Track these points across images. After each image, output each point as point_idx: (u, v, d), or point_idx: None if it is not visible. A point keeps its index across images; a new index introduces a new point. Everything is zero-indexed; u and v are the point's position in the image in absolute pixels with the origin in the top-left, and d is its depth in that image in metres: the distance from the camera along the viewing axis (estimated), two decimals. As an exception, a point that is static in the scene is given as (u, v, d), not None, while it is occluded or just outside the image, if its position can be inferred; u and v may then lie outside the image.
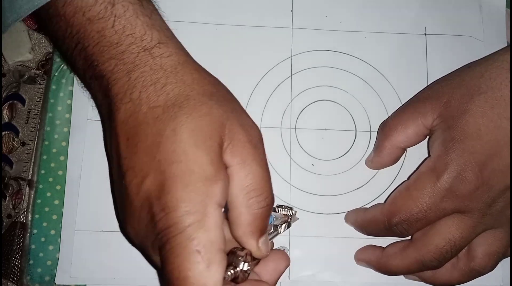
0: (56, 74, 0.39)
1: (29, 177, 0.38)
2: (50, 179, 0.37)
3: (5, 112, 0.39)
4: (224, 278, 0.27)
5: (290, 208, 0.34)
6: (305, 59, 0.40)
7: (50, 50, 0.40)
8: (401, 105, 0.39)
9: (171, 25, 0.32)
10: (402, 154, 0.38)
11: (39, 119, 0.39)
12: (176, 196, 0.26)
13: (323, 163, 0.39)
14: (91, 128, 0.38)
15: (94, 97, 0.33)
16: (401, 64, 0.41)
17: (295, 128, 0.39)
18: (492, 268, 0.34)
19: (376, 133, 0.39)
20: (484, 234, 0.33)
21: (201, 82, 0.30)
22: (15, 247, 0.37)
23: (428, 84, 0.40)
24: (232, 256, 0.29)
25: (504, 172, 0.32)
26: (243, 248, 0.29)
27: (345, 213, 0.38)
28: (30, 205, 0.37)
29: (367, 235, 0.37)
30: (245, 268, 0.29)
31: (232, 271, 0.28)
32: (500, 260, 0.34)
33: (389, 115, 0.39)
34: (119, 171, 0.29)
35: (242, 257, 0.29)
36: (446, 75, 0.37)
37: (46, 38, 0.40)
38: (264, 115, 0.39)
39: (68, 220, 0.37)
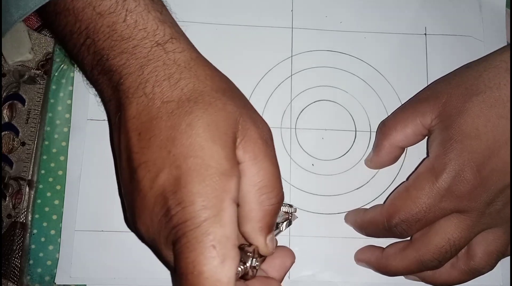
0: (56, 74, 0.39)
1: (29, 177, 0.38)
2: (50, 179, 0.37)
3: (5, 112, 0.39)
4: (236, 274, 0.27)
5: (290, 206, 0.34)
6: (305, 59, 0.40)
7: (50, 50, 0.40)
8: (401, 105, 0.39)
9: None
10: (401, 154, 0.38)
11: (39, 119, 0.39)
12: (193, 190, 0.26)
13: (323, 163, 0.39)
14: (91, 128, 0.38)
15: (101, 93, 0.33)
16: (401, 64, 0.41)
17: (295, 128, 0.39)
18: (491, 267, 0.34)
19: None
20: (483, 233, 0.33)
21: (214, 78, 0.30)
22: (15, 247, 0.37)
23: (428, 84, 0.40)
24: (240, 252, 0.29)
25: (503, 172, 0.32)
26: (250, 245, 0.29)
27: (345, 213, 0.38)
28: (30, 205, 0.37)
29: (367, 236, 0.37)
30: (254, 264, 0.28)
31: (242, 267, 0.28)
32: (499, 259, 0.34)
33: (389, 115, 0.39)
34: (129, 166, 0.29)
35: (250, 253, 0.29)
36: (445, 75, 0.37)
37: (49, 35, 0.40)
38: (264, 115, 0.39)
39: (68, 220, 0.37)
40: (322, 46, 0.41)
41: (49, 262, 0.36)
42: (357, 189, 0.39)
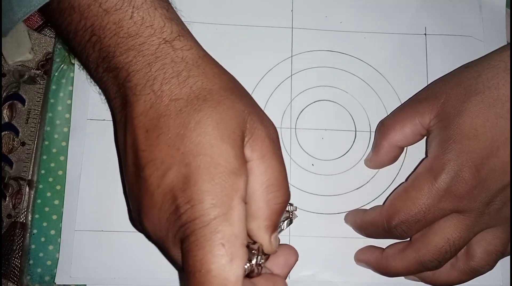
0: (56, 74, 0.39)
1: (29, 177, 0.38)
2: (50, 179, 0.37)
3: (5, 112, 0.39)
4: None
5: (291, 204, 0.34)
6: (305, 59, 0.40)
7: (50, 50, 0.40)
8: (400, 105, 0.39)
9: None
10: (400, 154, 0.38)
11: (39, 119, 0.39)
12: (202, 188, 0.26)
13: (323, 163, 0.39)
14: (91, 128, 0.38)
15: (106, 91, 0.32)
16: (401, 64, 0.41)
17: (295, 128, 0.39)
18: (491, 267, 0.34)
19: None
20: (482, 233, 0.33)
21: (221, 77, 0.30)
22: (15, 247, 0.37)
23: (428, 84, 0.40)
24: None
25: (502, 171, 0.32)
26: (254, 242, 0.29)
27: (345, 213, 0.38)
28: (30, 205, 0.37)
29: (367, 237, 0.37)
30: (259, 262, 0.28)
31: (248, 265, 0.28)
32: (499, 259, 0.35)
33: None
34: (135, 164, 0.29)
35: (255, 250, 0.29)
36: (444, 75, 0.37)
37: (49, 35, 0.40)
38: (264, 115, 0.39)
39: (68, 220, 0.37)
40: (322, 46, 0.41)
41: (49, 262, 0.36)
42: (357, 189, 0.39)
